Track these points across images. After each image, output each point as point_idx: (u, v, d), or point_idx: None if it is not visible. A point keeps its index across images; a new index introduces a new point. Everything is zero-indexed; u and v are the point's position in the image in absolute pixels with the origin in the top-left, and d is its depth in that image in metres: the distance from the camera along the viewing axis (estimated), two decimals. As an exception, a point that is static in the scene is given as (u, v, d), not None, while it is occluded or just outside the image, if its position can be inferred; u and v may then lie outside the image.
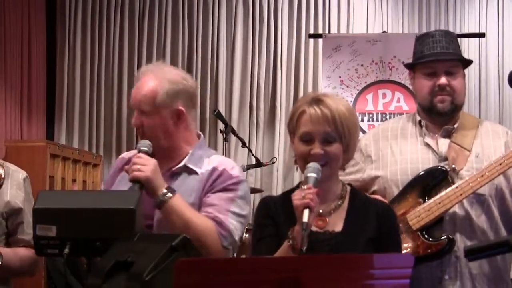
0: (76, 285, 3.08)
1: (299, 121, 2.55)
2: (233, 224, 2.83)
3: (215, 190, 2.86)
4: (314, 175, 2.43)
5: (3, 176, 3.04)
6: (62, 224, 2.34)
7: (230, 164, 2.96)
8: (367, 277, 1.79)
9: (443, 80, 3.14)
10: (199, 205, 2.85)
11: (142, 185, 2.75)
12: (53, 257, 2.59)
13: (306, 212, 2.33)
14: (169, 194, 2.76)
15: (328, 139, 2.50)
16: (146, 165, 2.77)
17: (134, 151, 3.04)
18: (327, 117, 2.49)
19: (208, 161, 2.94)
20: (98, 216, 2.33)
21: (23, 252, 3.12)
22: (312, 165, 2.46)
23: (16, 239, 3.15)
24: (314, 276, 1.71)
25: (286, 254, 2.37)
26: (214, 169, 2.89)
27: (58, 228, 2.34)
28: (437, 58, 3.16)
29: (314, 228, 2.53)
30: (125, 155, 3.17)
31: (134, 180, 2.75)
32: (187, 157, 2.94)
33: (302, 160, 2.53)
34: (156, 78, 2.92)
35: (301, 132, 2.54)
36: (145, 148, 2.86)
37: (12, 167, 3.24)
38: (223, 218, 2.81)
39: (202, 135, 3.10)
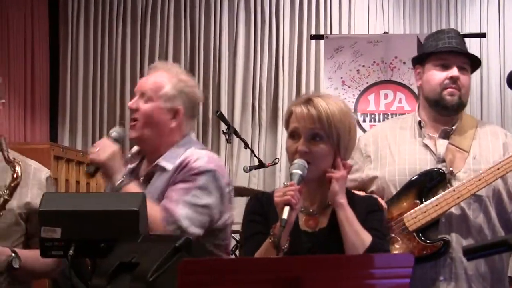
0: (81, 286, 3.10)
1: (289, 120, 2.58)
2: (183, 211, 2.79)
3: (175, 182, 2.87)
4: (299, 171, 2.43)
5: (20, 174, 2.85)
6: (66, 226, 2.35)
7: (197, 156, 2.92)
8: (367, 277, 1.81)
9: (455, 72, 3.16)
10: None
11: (98, 168, 2.85)
12: (58, 258, 2.62)
13: (286, 209, 2.33)
14: (124, 182, 2.81)
15: (314, 137, 2.50)
16: (105, 150, 2.85)
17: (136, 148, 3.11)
18: (313, 116, 2.49)
19: (182, 155, 2.93)
20: (102, 218, 2.34)
21: None
22: (298, 161, 2.47)
23: (36, 241, 3.05)
24: (315, 276, 1.72)
25: (268, 252, 2.37)
26: (179, 163, 2.90)
27: (62, 230, 2.35)
28: (453, 50, 3.18)
29: (303, 228, 2.55)
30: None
31: (91, 163, 2.86)
32: (162, 156, 2.95)
33: (290, 158, 2.54)
34: (169, 73, 3.00)
35: (289, 129, 2.56)
36: (115, 134, 2.93)
37: (34, 164, 3.12)
38: (172, 206, 2.80)
39: (190, 135, 3.07)
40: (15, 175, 2.82)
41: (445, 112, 3.20)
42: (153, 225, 2.67)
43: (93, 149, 2.87)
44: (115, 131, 2.95)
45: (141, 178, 2.99)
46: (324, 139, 2.51)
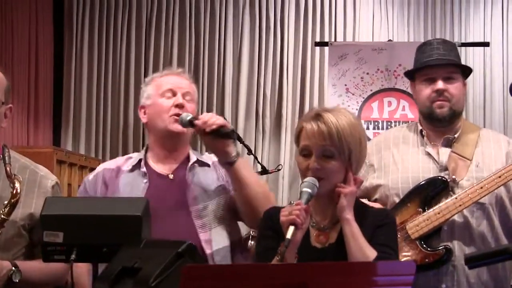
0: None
1: (300, 136, 2.57)
2: None
3: None
4: (308, 190, 2.43)
5: (19, 190, 2.74)
6: (69, 230, 2.34)
7: None
8: (370, 284, 1.82)
9: (440, 84, 3.17)
10: (221, 192, 3.01)
11: (235, 133, 2.93)
12: (64, 267, 2.60)
13: (291, 229, 2.33)
14: (237, 156, 2.95)
15: (326, 153, 2.49)
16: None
17: (118, 160, 3.18)
18: (323, 132, 2.48)
19: (207, 156, 3.14)
20: (105, 223, 2.33)
21: (52, 265, 2.72)
22: (308, 179, 2.47)
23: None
24: (320, 282, 1.73)
25: None
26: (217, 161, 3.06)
27: (65, 234, 2.35)
28: (433, 64, 3.19)
29: (314, 244, 2.55)
30: (109, 165, 3.19)
31: (225, 126, 2.88)
32: (192, 154, 3.11)
33: (302, 175, 2.54)
34: (189, 80, 3.17)
35: (300, 146, 2.56)
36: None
37: (41, 171, 3.04)
38: None
39: None
40: (14, 192, 2.73)
41: (439, 124, 3.21)
42: (268, 200, 2.90)
43: (215, 116, 2.91)
44: (188, 115, 2.99)
45: (170, 175, 3.05)
46: (335, 155, 2.50)
